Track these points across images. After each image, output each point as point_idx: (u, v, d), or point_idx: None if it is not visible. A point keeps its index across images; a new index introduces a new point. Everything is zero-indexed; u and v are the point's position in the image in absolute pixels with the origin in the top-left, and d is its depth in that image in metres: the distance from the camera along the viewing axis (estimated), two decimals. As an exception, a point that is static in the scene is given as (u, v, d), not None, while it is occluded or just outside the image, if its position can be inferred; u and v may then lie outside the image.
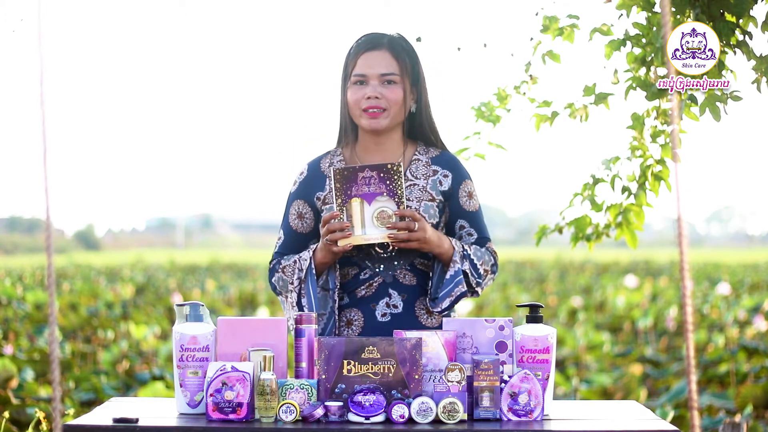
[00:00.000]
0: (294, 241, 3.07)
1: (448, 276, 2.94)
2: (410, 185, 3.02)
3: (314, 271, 2.95)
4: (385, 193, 2.85)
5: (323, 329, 2.97)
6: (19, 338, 9.74)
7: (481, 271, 2.99)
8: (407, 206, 2.95)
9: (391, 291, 2.99)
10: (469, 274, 2.96)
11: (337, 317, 2.99)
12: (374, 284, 2.99)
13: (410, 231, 2.84)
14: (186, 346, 2.67)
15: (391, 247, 2.97)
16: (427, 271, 3.02)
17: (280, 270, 3.02)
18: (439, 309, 2.95)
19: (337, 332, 3.00)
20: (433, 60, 3.13)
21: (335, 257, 2.94)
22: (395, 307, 2.98)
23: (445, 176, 3.06)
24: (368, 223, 2.86)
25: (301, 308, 2.95)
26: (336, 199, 2.85)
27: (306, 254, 2.98)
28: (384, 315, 2.98)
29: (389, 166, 2.84)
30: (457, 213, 3.06)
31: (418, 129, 3.10)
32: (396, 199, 2.85)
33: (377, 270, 2.99)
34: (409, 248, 2.91)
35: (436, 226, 3.01)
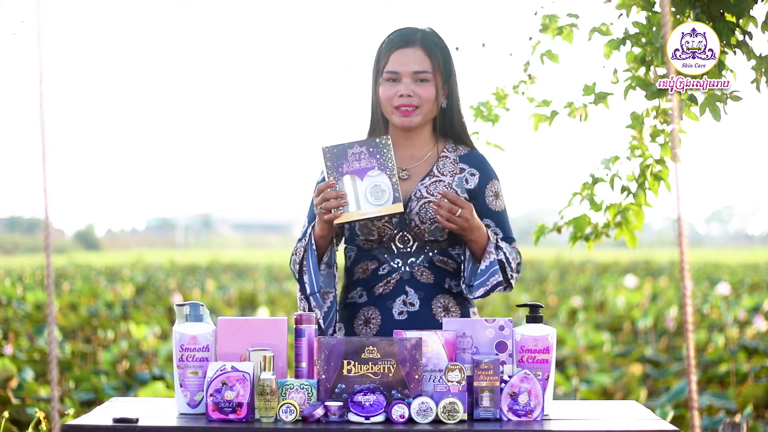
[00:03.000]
0: None
1: (483, 266, 2.92)
2: (435, 181, 3.02)
3: (314, 247, 2.95)
4: (376, 168, 2.87)
5: (326, 313, 2.97)
6: (19, 338, 9.75)
7: (513, 264, 2.98)
8: (448, 191, 2.95)
9: (407, 288, 2.99)
10: (504, 263, 2.94)
11: (338, 307, 3.01)
12: (392, 281, 2.99)
13: (452, 214, 2.84)
14: (186, 346, 2.67)
15: (411, 242, 2.98)
16: (445, 268, 3.01)
17: (294, 252, 3.03)
18: (472, 296, 2.95)
19: (340, 331, 3.02)
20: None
21: (331, 230, 2.94)
22: (412, 305, 2.98)
23: (472, 175, 3.05)
24: (362, 199, 2.88)
25: (302, 284, 2.95)
26: (328, 177, 2.87)
27: (307, 230, 3.00)
28: (401, 313, 2.98)
29: (378, 140, 2.87)
30: (482, 212, 3.04)
31: (449, 125, 3.10)
32: (387, 173, 2.87)
33: (395, 266, 2.99)
34: (450, 228, 2.89)
35: None
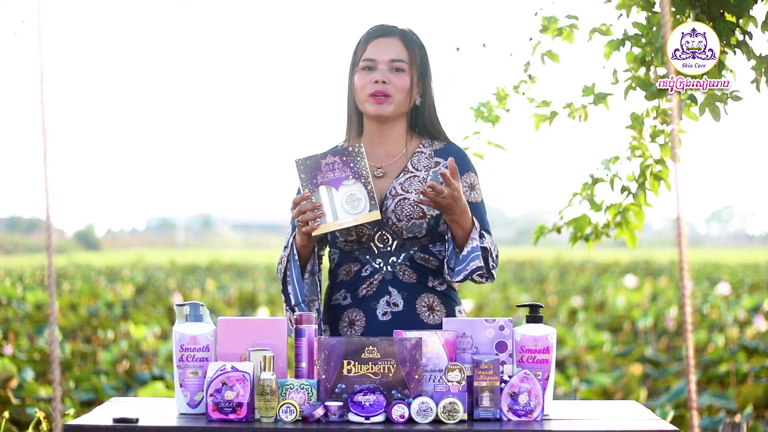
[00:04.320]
0: None
1: (465, 251, 2.88)
2: (410, 177, 3.01)
3: (296, 257, 2.95)
4: (350, 176, 2.86)
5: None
6: (19, 338, 9.74)
7: (494, 254, 2.95)
8: (417, 194, 2.94)
9: (390, 289, 2.98)
10: (489, 252, 2.91)
11: (322, 312, 3.00)
12: (375, 282, 2.98)
13: (437, 196, 2.79)
14: (186, 346, 2.67)
15: (391, 241, 2.98)
16: (427, 266, 3.00)
17: (280, 261, 3.04)
18: (453, 280, 2.91)
19: (325, 333, 3.02)
20: (432, 60, 3.13)
21: (312, 240, 2.94)
22: (395, 305, 2.97)
23: (447, 168, 3.05)
24: (339, 209, 2.88)
25: (287, 296, 2.95)
26: (303, 190, 2.87)
27: (289, 240, 3.00)
28: (385, 314, 2.97)
29: (350, 148, 2.86)
30: None
31: (421, 124, 3.09)
32: (363, 181, 2.86)
33: (377, 266, 2.99)
34: (439, 207, 2.84)
35: (437, 219, 3.00)
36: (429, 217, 2.97)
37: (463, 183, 3.04)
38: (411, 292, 2.98)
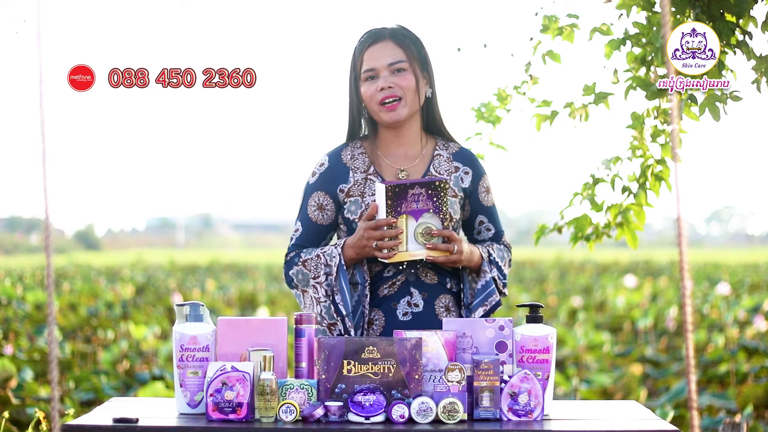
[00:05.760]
0: (313, 233, 3.05)
1: (479, 286, 3.00)
2: None
3: (345, 268, 2.94)
4: (431, 210, 2.88)
5: (354, 326, 2.94)
6: (19, 338, 9.75)
7: (506, 271, 3.07)
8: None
9: (412, 290, 2.99)
10: (497, 279, 3.02)
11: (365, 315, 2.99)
12: (397, 282, 2.99)
13: (449, 252, 2.88)
14: (186, 346, 2.67)
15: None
16: (445, 268, 3.03)
17: (300, 263, 3.00)
18: (473, 317, 2.98)
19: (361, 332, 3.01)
20: (433, 60, 3.13)
21: (366, 257, 2.94)
22: (416, 306, 2.99)
23: (466, 173, 3.09)
24: (411, 239, 2.89)
25: (336, 305, 2.93)
26: (387, 215, 2.86)
27: (333, 250, 2.96)
28: (405, 314, 2.98)
29: (437, 183, 2.87)
30: (477, 209, 3.10)
31: (435, 115, 3.10)
32: (441, 216, 2.88)
33: (401, 267, 2.99)
34: (449, 265, 2.96)
35: (456, 222, 3.04)
36: (455, 221, 3.02)
37: (480, 188, 3.11)
38: (431, 293, 3.01)
